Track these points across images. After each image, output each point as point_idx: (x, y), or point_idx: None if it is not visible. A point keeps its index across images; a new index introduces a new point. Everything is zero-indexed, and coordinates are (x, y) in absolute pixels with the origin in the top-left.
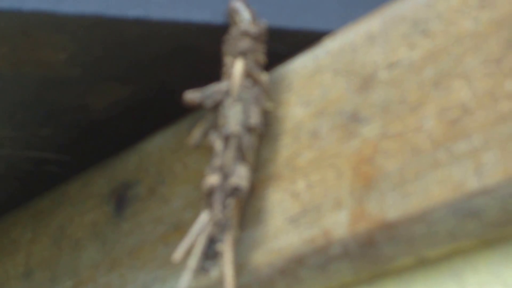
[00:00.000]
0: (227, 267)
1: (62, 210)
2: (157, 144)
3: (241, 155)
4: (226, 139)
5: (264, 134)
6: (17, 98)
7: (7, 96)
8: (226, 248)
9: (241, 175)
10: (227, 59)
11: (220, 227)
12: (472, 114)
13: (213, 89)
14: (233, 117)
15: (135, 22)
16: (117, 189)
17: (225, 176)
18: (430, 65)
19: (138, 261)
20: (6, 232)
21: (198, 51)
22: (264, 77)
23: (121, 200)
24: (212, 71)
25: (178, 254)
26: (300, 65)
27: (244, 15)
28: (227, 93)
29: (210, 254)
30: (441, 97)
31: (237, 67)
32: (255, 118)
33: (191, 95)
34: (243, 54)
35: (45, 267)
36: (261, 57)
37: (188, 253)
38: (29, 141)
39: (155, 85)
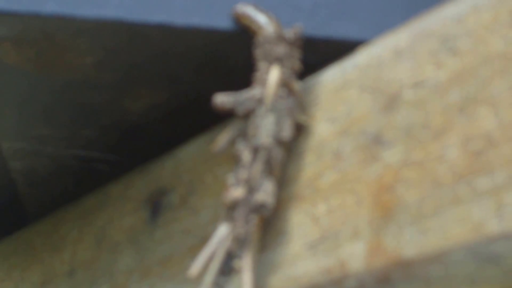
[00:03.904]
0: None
1: (105, 211)
2: (191, 152)
3: (269, 169)
4: (255, 150)
5: (291, 149)
6: (50, 99)
7: (39, 97)
8: (245, 266)
9: (268, 191)
10: (261, 65)
11: (239, 242)
12: (496, 147)
13: (246, 96)
14: (265, 128)
15: (158, 28)
16: (154, 195)
17: (251, 189)
18: (456, 88)
19: (167, 272)
20: (57, 229)
21: (225, 58)
22: (298, 87)
23: (156, 206)
24: (240, 77)
25: (194, 269)
26: (328, 78)
27: (260, 19)
28: (260, 101)
29: (226, 270)
30: (466, 124)
31: (273, 75)
32: (287, 131)
33: (222, 99)
34: (280, 60)
35: (86, 267)
36: (297, 65)
37: (205, 267)
38: (73, 140)
39: (188, 91)
